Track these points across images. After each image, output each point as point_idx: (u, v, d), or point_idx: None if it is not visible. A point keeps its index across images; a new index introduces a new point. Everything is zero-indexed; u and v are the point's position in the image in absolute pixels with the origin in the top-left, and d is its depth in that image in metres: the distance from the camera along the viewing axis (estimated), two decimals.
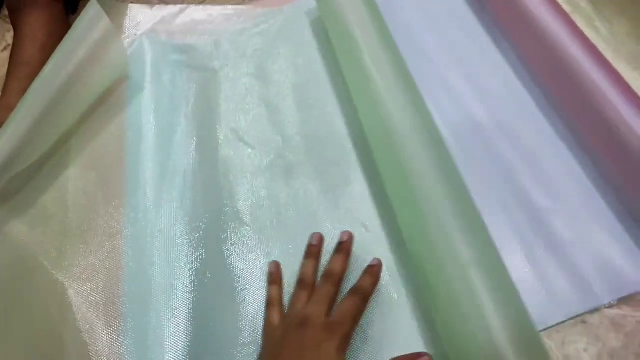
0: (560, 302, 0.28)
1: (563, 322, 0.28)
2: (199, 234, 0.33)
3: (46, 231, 0.33)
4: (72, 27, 0.35)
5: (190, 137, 0.37)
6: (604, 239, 0.30)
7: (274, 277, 0.30)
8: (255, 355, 0.28)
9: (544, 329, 0.28)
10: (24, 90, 0.33)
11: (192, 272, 0.31)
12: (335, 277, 0.28)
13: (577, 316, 0.28)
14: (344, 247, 0.30)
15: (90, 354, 0.29)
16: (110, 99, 0.39)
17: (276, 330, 0.27)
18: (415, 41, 0.40)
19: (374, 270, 0.29)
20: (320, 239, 0.31)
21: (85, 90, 0.35)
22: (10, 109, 0.32)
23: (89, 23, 0.35)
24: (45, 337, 0.30)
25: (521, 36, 0.36)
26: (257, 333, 0.29)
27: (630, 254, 0.29)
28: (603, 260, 0.29)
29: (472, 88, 0.37)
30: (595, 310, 0.28)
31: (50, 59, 0.34)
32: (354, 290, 0.28)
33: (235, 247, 0.32)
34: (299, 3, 0.43)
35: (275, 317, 0.28)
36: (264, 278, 0.31)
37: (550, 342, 0.28)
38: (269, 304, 0.29)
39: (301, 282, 0.29)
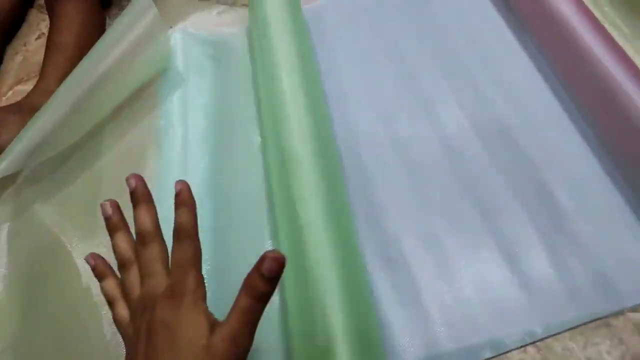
0: (584, 304, 0.28)
1: (586, 323, 0.28)
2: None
3: (73, 213, 0.34)
4: (121, 15, 0.36)
5: (213, 137, 0.37)
6: (628, 241, 0.30)
7: (100, 269, 0.26)
8: None
9: (567, 330, 0.28)
10: (62, 76, 0.34)
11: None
12: (150, 235, 0.24)
13: (600, 318, 0.28)
14: (180, 199, 0.24)
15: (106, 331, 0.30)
16: (146, 90, 0.40)
17: (128, 327, 0.23)
18: (443, 39, 0.40)
19: (182, 199, 0.24)
20: (114, 206, 0.26)
21: (125, 80, 0.36)
22: (49, 93, 0.33)
23: (139, 12, 0.36)
24: (68, 313, 0.31)
25: (546, 36, 0.36)
26: None
27: None
28: (627, 262, 0.29)
29: (497, 87, 0.37)
30: (619, 313, 0.28)
31: (95, 45, 0.35)
32: (176, 235, 0.23)
33: None
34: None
35: (123, 312, 0.24)
36: None
37: (572, 344, 0.28)
38: (108, 302, 0.25)
39: (122, 264, 0.25)
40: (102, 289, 0.26)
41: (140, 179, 0.25)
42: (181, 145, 0.37)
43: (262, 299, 0.21)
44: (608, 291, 0.29)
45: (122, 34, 0.35)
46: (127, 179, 0.25)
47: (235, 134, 0.38)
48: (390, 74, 0.40)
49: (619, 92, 0.31)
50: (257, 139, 0.37)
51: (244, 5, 0.45)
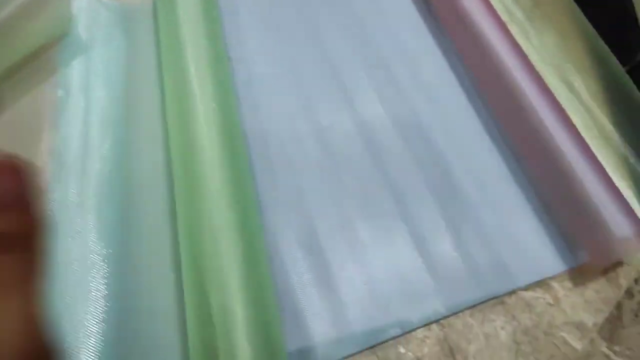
0: (483, 284, 0.31)
1: (484, 302, 0.30)
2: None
3: None
4: None
5: (117, 113, 0.35)
6: (523, 230, 0.33)
7: None
8: None
9: (468, 308, 0.30)
10: None
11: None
12: None
13: (497, 297, 0.30)
14: None
15: None
16: (43, 56, 0.36)
17: None
18: (365, 31, 0.41)
19: None
20: None
21: (17, 42, 0.32)
22: None
23: None
24: None
25: (458, 37, 0.39)
26: None
27: (542, 244, 0.32)
28: (521, 248, 0.32)
29: (415, 82, 0.38)
30: (513, 292, 0.31)
31: None
32: None
33: None
34: None
35: None
36: None
37: (472, 321, 0.30)
38: None
39: None
40: None
41: None
42: (82, 120, 0.34)
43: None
44: (503, 273, 0.31)
45: None
46: None
47: (140, 113, 0.35)
48: (311, 60, 0.40)
49: (522, 98, 0.34)
50: (160, 122, 0.35)
51: None
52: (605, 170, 0.31)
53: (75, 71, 0.36)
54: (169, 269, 0.30)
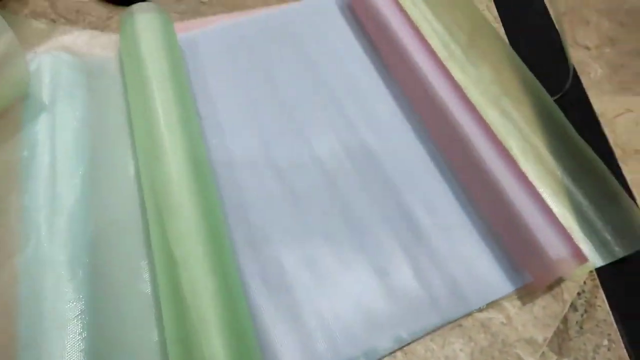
0: (441, 309, 0.33)
1: (443, 326, 0.32)
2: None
3: None
4: None
5: (78, 166, 0.36)
6: (473, 253, 0.35)
7: None
8: None
9: (428, 333, 0.32)
10: None
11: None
12: None
13: (454, 320, 0.32)
14: None
15: None
16: (5, 119, 0.37)
17: None
18: (316, 72, 0.43)
19: None
20: None
21: None
22: None
23: None
24: None
25: (403, 76, 0.42)
26: None
27: (492, 266, 0.34)
28: (473, 272, 0.34)
29: (365, 117, 0.41)
30: (469, 314, 0.33)
31: None
32: None
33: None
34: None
35: None
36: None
37: (433, 345, 0.32)
38: None
39: None
40: None
41: None
42: (48, 176, 0.35)
43: None
44: (459, 297, 0.33)
45: None
46: None
47: (109, 162, 0.37)
48: (268, 103, 0.42)
49: (459, 130, 0.36)
50: (131, 168, 0.37)
51: (118, 30, 0.44)
52: (541, 195, 0.34)
53: (38, 130, 0.37)
54: (150, 323, 0.31)
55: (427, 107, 0.39)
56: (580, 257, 0.32)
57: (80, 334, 0.29)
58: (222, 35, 0.46)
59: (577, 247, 0.32)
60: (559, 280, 0.34)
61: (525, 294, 0.33)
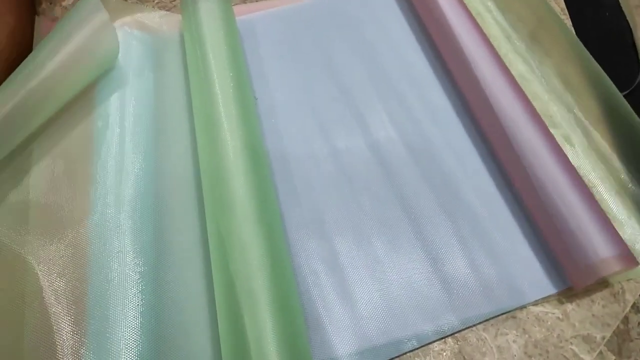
0: (494, 300, 0.32)
1: (496, 316, 0.32)
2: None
3: (7, 221, 0.33)
4: (67, 16, 0.35)
5: (148, 140, 0.38)
6: (527, 246, 0.34)
7: None
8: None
9: (480, 322, 0.32)
10: None
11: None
12: None
13: (508, 312, 0.32)
14: None
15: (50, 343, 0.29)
16: (86, 91, 0.39)
17: None
18: (375, 59, 0.43)
19: None
20: None
21: (70, 84, 0.35)
22: None
23: (88, 14, 0.35)
24: (5, 317, 0.30)
25: (456, 69, 0.41)
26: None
27: (550, 262, 0.34)
28: (527, 265, 0.33)
29: (423, 107, 0.41)
30: (523, 307, 0.32)
31: (40, 48, 0.34)
32: None
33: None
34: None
35: None
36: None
37: (485, 334, 0.31)
38: None
39: None
40: None
41: None
42: (117, 148, 0.37)
43: None
44: (514, 288, 0.33)
45: (71, 34, 0.34)
46: None
47: (169, 138, 0.38)
48: (326, 87, 0.42)
49: (509, 125, 0.35)
50: (189, 142, 0.38)
51: None
52: (589, 194, 0.32)
53: (111, 102, 0.39)
54: (201, 284, 0.32)
55: (478, 103, 0.38)
56: (627, 260, 0.30)
57: (141, 292, 0.31)
58: (280, 18, 0.47)
59: (623, 249, 0.30)
60: (620, 280, 0.33)
61: (584, 291, 0.32)
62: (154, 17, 0.44)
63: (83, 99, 0.38)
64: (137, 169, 0.36)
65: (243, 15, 0.46)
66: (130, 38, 0.41)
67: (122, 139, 0.37)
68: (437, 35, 0.43)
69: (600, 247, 0.30)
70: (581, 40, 0.42)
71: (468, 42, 0.40)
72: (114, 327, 0.30)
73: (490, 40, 0.44)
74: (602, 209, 0.32)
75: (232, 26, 0.41)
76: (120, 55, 0.40)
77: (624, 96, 0.39)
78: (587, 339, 0.31)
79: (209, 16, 0.40)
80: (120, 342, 0.29)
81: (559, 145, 0.35)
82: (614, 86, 0.39)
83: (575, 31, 0.44)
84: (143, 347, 0.29)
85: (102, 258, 0.32)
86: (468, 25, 0.41)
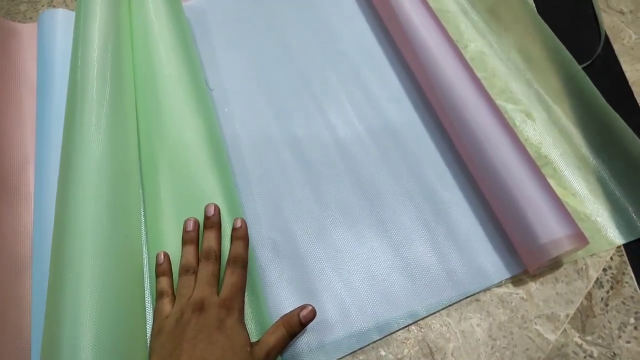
0: (459, 284, 0.32)
1: (460, 300, 0.31)
2: None
3: None
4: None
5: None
6: (492, 228, 0.34)
7: (163, 268, 0.29)
8: None
9: (445, 307, 0.31)
10: None
11: None
12: (213, 255, 0.28)
13: (472, 295, 0.31)
14: (240, 234, 0.29)
15: None
16: None
17: (169, 319, 0.27)
18: (332, 40, 0.42)
19: (240, 233, 0.29)
20: (195, 225, 0.30)
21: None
22: None
23: None
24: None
25: (405, 51, 0.39)
26: None
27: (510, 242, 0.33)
28: (491, 246, 0.33)
29: (384, 89, 0.40)
30: (487, 289, 0.32)
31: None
32: (231, 261, 0.28)
33: None
34: None
35: (167, 307, 0.27)
36: None
37: (449, 320, 0.31)
38: (159, 295, 0.28)
39: (184, 269, 0.29)
40: (158, 282, 0.29)
41: (217, 209, 0.30)
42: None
43: (293, 335, 0.27)
44: (477, 271, 0.32)
45: None
46: (207, 206, 0.30)
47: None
48: (283, 70, 0.41)
49: (452, 103, 0.34)
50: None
51: None
52: (538, 174, 0.31)
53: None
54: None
55: (428, 88, 0.37)
56: (577, 239, 0.29)
57: None
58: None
59: (572, 229, 0.29)
60: (583, 256, 0.32)
61: (548, 269, 0.32)
62: None
63: None
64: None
65: (188, 1, 0.44)
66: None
67: None
68: (389, 18, 0.41)
69: (548, 229, 0.29)
70: (541, 13, 0.41)
71: (419, 26, 0.38)
72: None
73: (448, 15, 0.43)
74: (552, 190, 0.31)
75: (180, 11, 0.39)
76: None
77: (585, 68, 0.38)
78: (551, 318, 0.31)
79: (155, 2, 0.38)
80: None
81: (507, 122, 0.33)
82: (574, 61, 0.38)
83: (536, 3, 0.43)
84: None
85: None
86: (419, 7, 0.39)
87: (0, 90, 0.38)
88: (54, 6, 0.45)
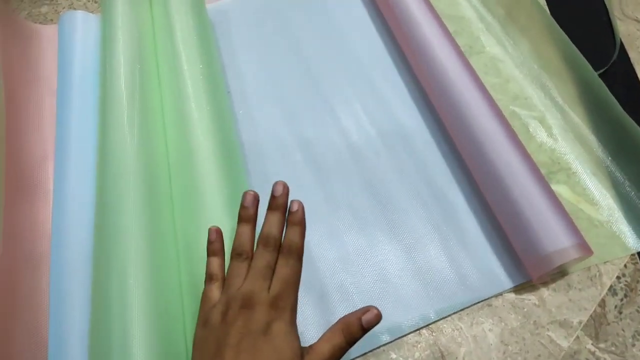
0: (470, 288, 0.32)
1: (472, 305, 0.31)
2: None
3: None
4: None
5: None
6: (503, 234, 0.33)
7: (215, 247, 0.27)
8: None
9: (455, 312, 0.31)
10: None
11: None
12: (273, 243, 0.25)
13: (484, 300, 0.31)
14: (297, 219, 0.26)
15: None
16: None
17: (215, 309, 0.24)
18: (345, 44, 0.43)
19: (297, 218, 0.26)
20: (254, 200, 0.27)
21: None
22: None
23: None
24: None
25: (413, 59, 0.40)
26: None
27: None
28: (504, 252, 0.33)
29: (395, 93, 0.40)
30: (499, 294, 0.31)
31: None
32: (285, 250, 0.25)
33: None
34: None
35: (215, 293, 0.25)
36: None
37: (460, 324, 0.31)
38: (208, 278, 0.26)
39: (237, 253, 0.25)
40: (209, 263, 0.26)
41: (287, 188, 0.26)
42: None
43: (353, 342, 0.23)
44: (489, 276, 0.32)
45: None
46: (275, 185, 0.26)
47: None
48: (294, 72, 0.41)
49: (471, 120, 0.34)
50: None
51: None
52: (543, 183, 0.31)
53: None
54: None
55: (430, 90, 0.38)
56: (580, 249, 0.29)
57: None
58: (249, 3, 0.45)
59: (576, 239, 0.29)
60: (597, 263, 0.32)
61: (560, 275, 0.32)
62: None
63: None
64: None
65: (212, 3, 0.45)
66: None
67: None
68: (396, 25, 0.41)
69: (549, 240, 0.29)
70: (556, 19, 0.41)
71: (427, 34, 0.38)
72: None
73: (463, 21, 0.43)
74: (556, 200, 0.31)
75: (203, 14, 0.40)
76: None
77: (600, 74, 0.38)
78: (563, 324, 0.30)
79: (179, 5, 0.39)
80: None
81: (511, 129, 0.33)
82: (589, 66, 0.38)
83: (550, 11, 0.43)
84: None
85: None
86: (425, 14, 0.39)
87: (21, 90, 0.38)
88: (75, 8, 0.46)
